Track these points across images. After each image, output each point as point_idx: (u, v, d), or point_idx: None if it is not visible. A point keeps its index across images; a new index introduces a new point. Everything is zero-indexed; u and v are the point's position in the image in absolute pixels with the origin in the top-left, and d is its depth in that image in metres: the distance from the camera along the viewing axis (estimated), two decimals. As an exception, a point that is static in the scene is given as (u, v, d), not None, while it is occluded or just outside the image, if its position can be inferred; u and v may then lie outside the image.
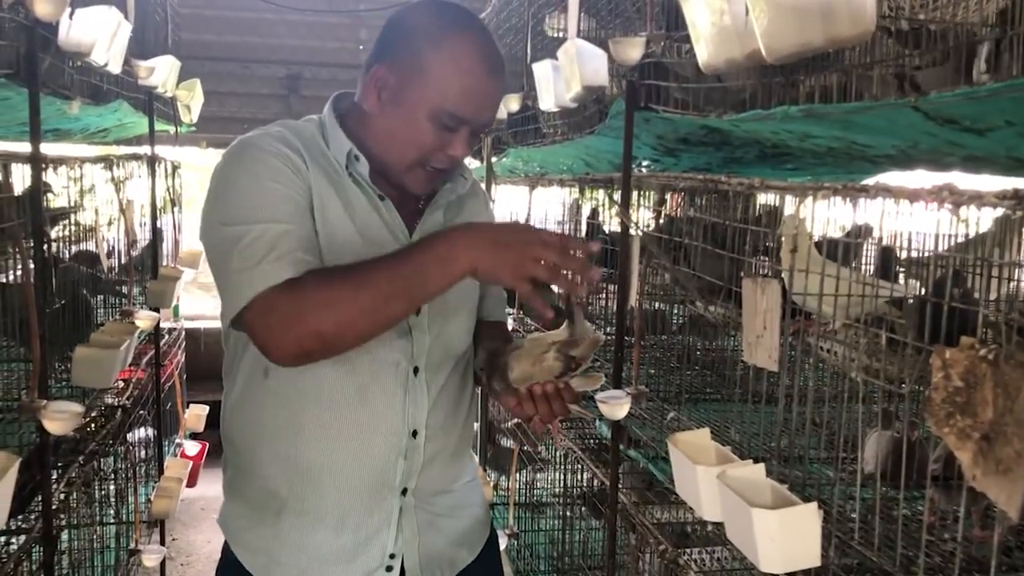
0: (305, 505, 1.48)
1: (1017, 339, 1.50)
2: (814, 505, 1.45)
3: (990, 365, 1.09)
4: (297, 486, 1.47)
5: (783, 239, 1.65)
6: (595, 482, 3.01)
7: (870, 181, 2.59)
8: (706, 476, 1.68)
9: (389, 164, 1.47)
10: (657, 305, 2.95)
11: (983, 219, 2.05)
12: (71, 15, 2.09)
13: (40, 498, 2.12)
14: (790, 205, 1.78)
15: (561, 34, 3.46)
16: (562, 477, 3.46)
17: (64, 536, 2.58)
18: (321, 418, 1.45)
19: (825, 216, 1.82)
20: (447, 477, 1.59)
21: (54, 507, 2.18)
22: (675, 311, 3.03)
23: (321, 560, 1.49)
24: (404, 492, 1.51)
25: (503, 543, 3.44)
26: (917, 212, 1.35)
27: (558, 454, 3.51)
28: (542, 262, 1.27)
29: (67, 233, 2.89)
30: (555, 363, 1.44)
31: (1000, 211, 1.62)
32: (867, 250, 2.51)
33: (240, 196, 1.37)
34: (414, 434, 1.50)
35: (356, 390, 1.45)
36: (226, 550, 1.57)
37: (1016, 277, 1.92)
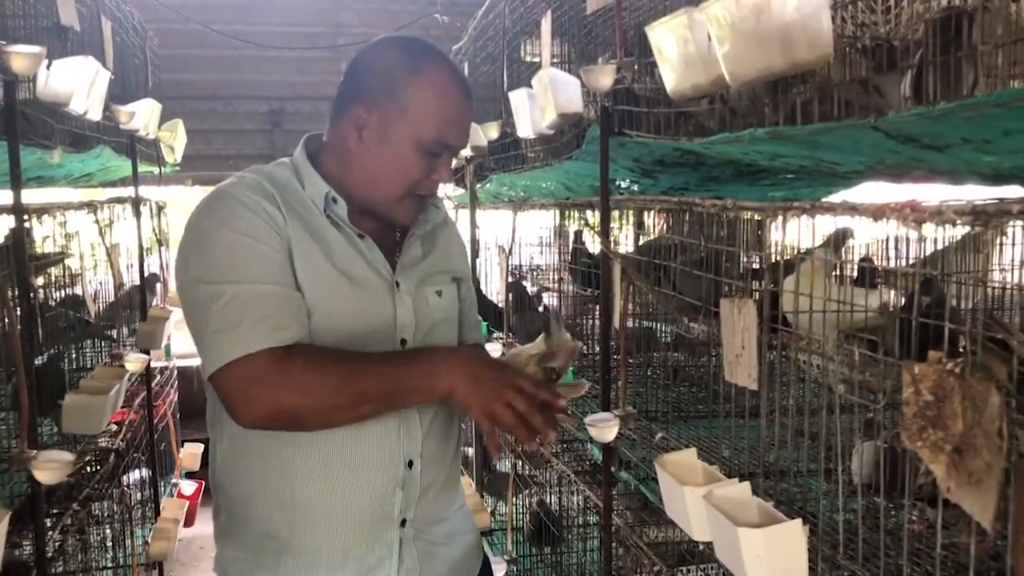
0: (305, 544, 1.47)
1: (991, 346, 1.53)
2: (799, 522, 1.47)
3: (957, 378, 1.11)
4: (296, 525, 1.47)
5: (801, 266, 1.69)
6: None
7: (846, 194, 2.63)
8: (693, 497, 1.69)
9: (375, 199, 1.50)
10: (644, 323, 2.97)
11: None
12: (48, 67, 2.12)
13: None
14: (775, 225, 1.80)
15: (538, 59, 3.49)
16: (557, 500, 3.46)
17: (60, 583, 2.57)
18: (316, 456, 1.45)
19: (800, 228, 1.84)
20: (442, 505, 1.60)
21: (49, 555, 2.18)
22: (663, 329, 3.05)
23: None
24: (403, 523, 1.52)
25: (503, 570, 3.44)
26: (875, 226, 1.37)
27: (553, 476, 3.51)
28: (511, 408, 1.37)
29: (53, 280, 2.90)
30: (535, 376, 1.46)
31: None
32: (847, 257, 2.53)
33: (217, 253, 1.38)
34: (410, 464, 1.51)
35: (357, 423, 1.46)
36: None
37: (987, 283, 1.95)
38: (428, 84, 1.44)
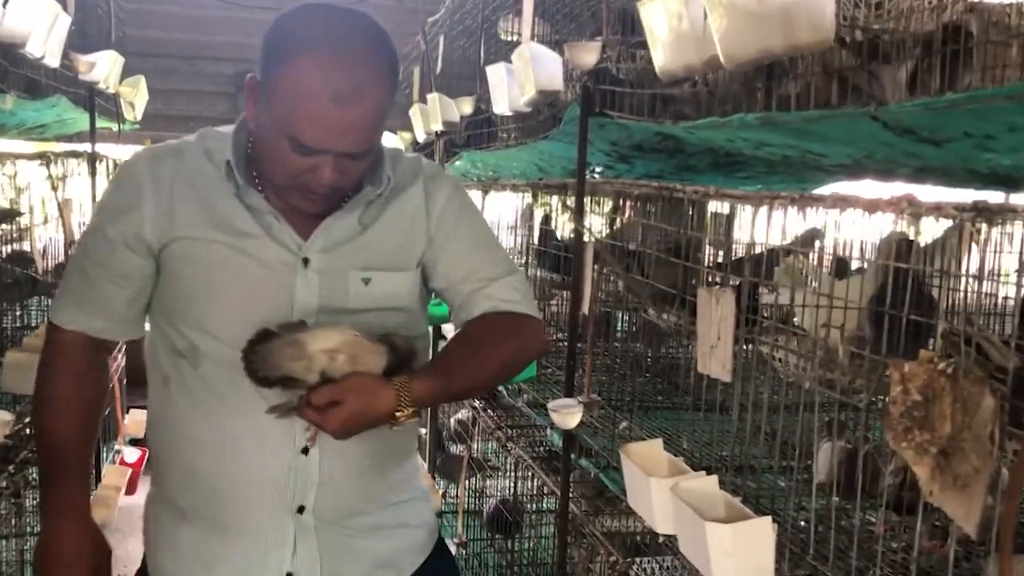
0: (205, 514, 1.44)
1: (972, 354, 1.50)
2: (768, 519, 1.43)
3: (949, 379, 1.08)
4: (196, 496, 1.44)
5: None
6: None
7: (823, 190, 2.60)
8: (659, 488, 1.65)
9: (273, 181, 1.38)
10: (610, 312, 2.93)
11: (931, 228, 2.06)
12: (5, 4, 2.00)
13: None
14: (747, 213, 1.76)
15: (515, 37, 3.42)
16: (512, 485, 3.42)
17: (-8, 548, 2.48)
18: (216, 430, 1.40)
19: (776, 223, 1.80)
20: (359, 498, 1.48)
21: (-19, 519, 2.08)
22: (627, 318, 3.01)
23: (219, 571, 1.45)
24: (301, 511, 1.43)
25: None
26: (866, 221, 1.34)
27: (508, 461, 3.47)
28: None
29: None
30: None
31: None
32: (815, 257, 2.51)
33: (93, 221, 1.50)
34: (305, 451, 1.41)
35: (246, 402, 1.37)
36: (144, 559, 1.56)
37: (967, 287, 1.92)
38: (292, 74, 1.26)
